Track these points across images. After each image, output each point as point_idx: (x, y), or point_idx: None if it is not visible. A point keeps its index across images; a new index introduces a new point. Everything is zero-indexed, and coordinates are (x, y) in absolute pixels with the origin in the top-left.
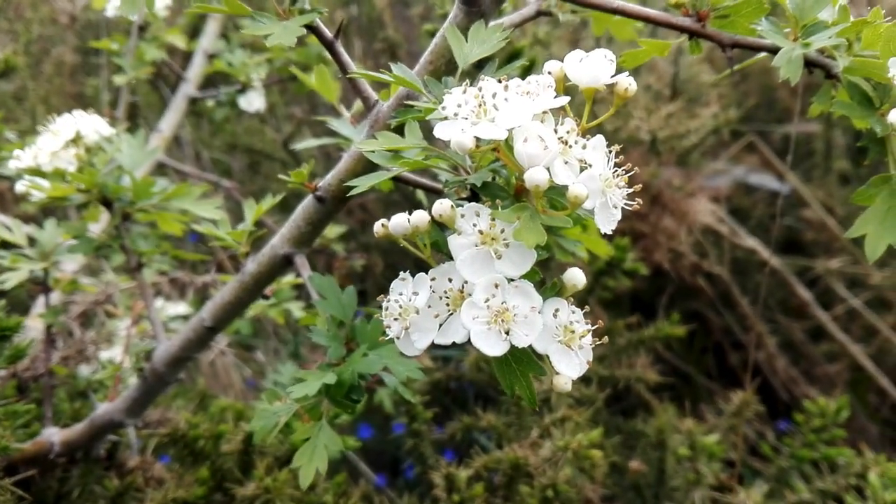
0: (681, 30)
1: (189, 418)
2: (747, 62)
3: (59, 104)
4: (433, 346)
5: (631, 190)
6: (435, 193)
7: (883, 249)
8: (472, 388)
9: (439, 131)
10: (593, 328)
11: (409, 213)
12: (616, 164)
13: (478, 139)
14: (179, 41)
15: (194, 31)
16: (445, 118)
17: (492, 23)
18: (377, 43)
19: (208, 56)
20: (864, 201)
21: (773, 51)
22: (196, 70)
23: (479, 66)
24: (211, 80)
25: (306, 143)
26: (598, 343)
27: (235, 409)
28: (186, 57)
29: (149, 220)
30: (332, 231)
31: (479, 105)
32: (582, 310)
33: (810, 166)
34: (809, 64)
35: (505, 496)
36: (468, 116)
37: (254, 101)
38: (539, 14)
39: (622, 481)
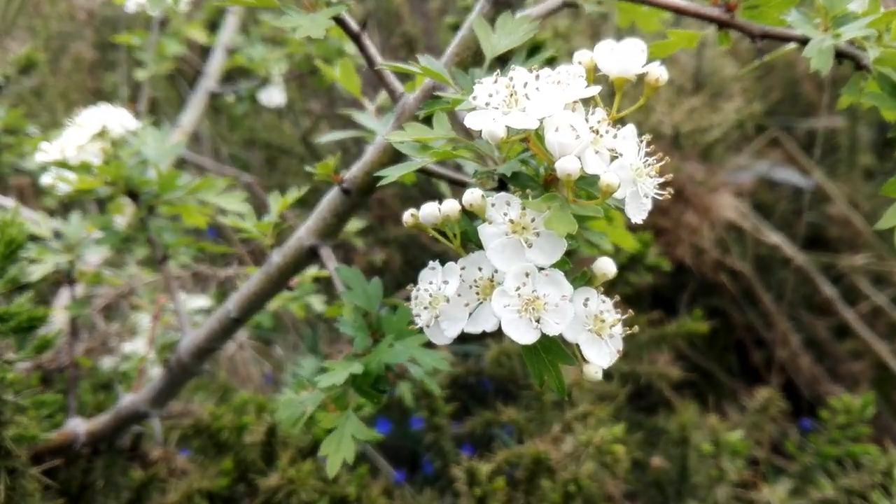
0: (710, 20)
1: (212, 410)
2: (775, 54)
3: (78, 100)
4: (457, 338)
5: (662, 179)
6: (459, 185)
7: None
8: (491, 384)
9: (470, 121)
10: (623, 317)
11: (440, 203)
12: (647, 154)
13: (508, 129)
14: (200, 36)
15: (213, 26)
16: (475, 109)
17: (519, 13)
18: (395, 38)
19: (228, 51)
20: (894, 193)
21: (803, 41)
22: (216, 65)
23: (503, 60)
24: (229, 75)
25: (330, 136)
26: (629, 332)
27: (257, 402)
28: (204, 52)
29: (173, 213)
30: (352, 225)
31: (511, 95)
32: None
33: (835, 161)
34: (839, 55)
35: (526, 490)
36: (499, 106)
37: (274, 96)
38: (565, 5)
39: (644, 478)
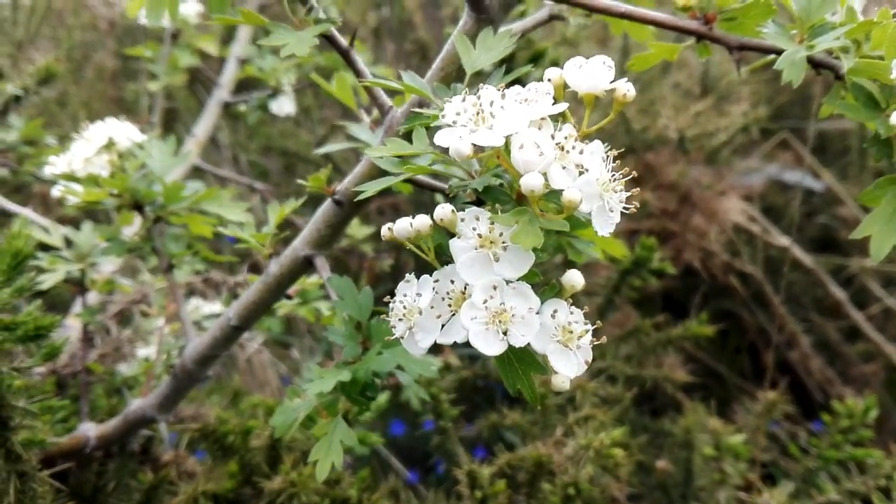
0: (688, 33)
1: (219, 414)
2: (757, 64)
3: (101, 109)
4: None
5: (629, 194)
6: (448, 197)
7: (888, 250)
8: (500, 387)
9: (439, 139)
10: (592, 328)
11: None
12: (614, 169)
13: (476, 146)
14: (212, 48)
15: (229, 37)
16: (446, 126)
17: (502, 29)
18: (408, 44)
19: (241, 61)
20: (871, 202)
21: (781, 53)
22: (229, 75)
23: (508, 69)
24: (245, 85)
25: (326, 148)
26: (597, 343)
27: (266, 406)
28: (223, 62)
29: (180, 223)
30: (361, 232)
31: (478, 113)
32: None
33: (845, 163)
34: (818, 65)
35: (528, 494)
36: (466, 124)
37: (284, 106)
38: (552, 18)
39: (649, 481)
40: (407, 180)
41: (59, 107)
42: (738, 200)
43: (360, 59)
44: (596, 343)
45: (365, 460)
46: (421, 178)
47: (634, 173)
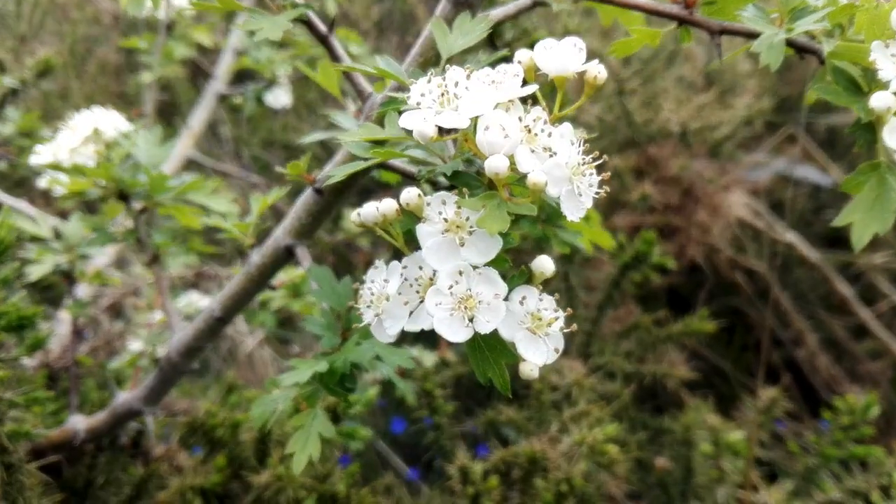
0: (669, 17)
1: (208, 408)
2: (738, 51)
3: (103, 102)
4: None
5: (600, 178)
6: (433, 184)
7: (869, 238)
8: None
9: (404, 121)
10: (563, 315)
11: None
12: (585, 152)
13: (440, 128)
14: (206, 39)
15: (227, 29)
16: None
17: (480, 14)
18: (410, 37)
19: (237, 53)
20: (853, 189)
21: None
22: (224, 67)
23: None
24: (243, 76)
25: (311, 137)
26: (568, 331)
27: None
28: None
29: (167, 214)
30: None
31: (443, 94)
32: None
33: (854, 158)
34: (801, 49)
35: (522, 490)
36: (431, 105)
37: (280, 97)
38: (536, 4)
39: (648, 478)
40: (382, 166)
41: (62, 100)
42: (742, 195)
43: (359, 50)
44: (566, 331)
45: (366, 457)
46: (396, 163)
47: (606, 158)
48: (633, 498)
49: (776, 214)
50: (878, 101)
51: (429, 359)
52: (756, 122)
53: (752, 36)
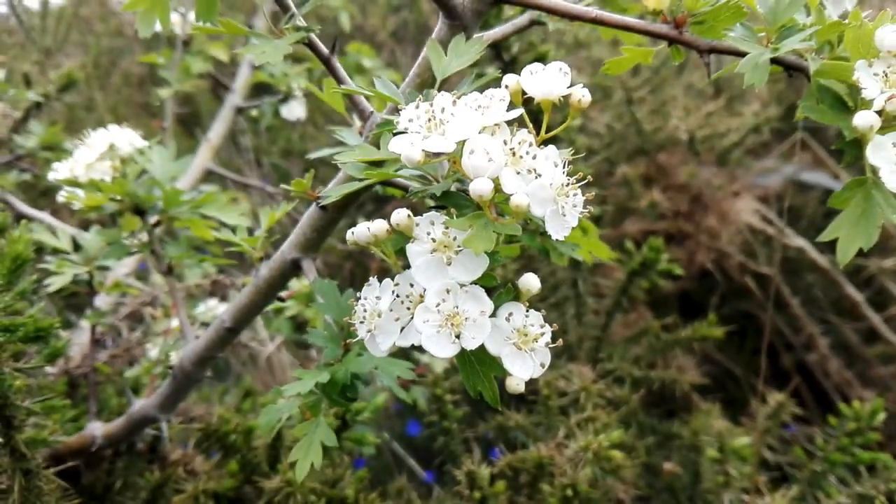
0: (659, 37)
1: (222, 413)
2: (726, 69)
3: (127, 114)
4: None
5: (584, 198)
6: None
7: (854, 253)
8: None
9: (392, 145)
10: (549, 330)
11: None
12: (569, 174)
13: (428, 153)
14: (222, 54)
15: (244, 42)
16: (402, 132)
17: (475, 35)
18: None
19: (253, 67)
20: (840, 205)
21: None
22: (241, 80)
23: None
24: (260, 89)
25: (318, 153)
26: (553, 346)
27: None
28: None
29: (183, 227)
30: None
31: (430, 119)
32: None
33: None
34: (790, 67)
35: (529, 495)
36: (419, 130)
37: (294, 110)
38: (533, 23)
39: (657, 483)
40: (384, 183)
41: (86, 112)
42: (751, 201)
43: (372, 63)
44: (553, 346)
45: (382, 459)
46: (399, 181)
47: (589, 175)
48: (641, 502)
49: (787, 220)
50: (861, 119)
51: (439, 364)
52: (764, 128)
53: (741, 54)
